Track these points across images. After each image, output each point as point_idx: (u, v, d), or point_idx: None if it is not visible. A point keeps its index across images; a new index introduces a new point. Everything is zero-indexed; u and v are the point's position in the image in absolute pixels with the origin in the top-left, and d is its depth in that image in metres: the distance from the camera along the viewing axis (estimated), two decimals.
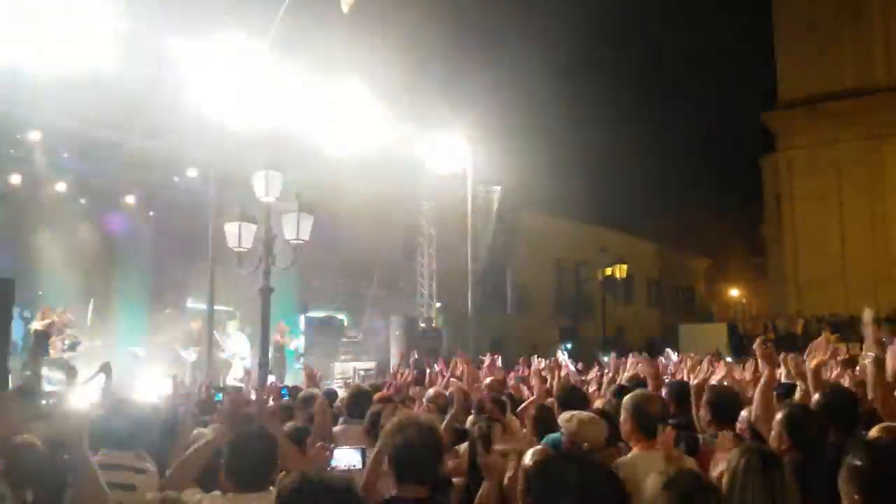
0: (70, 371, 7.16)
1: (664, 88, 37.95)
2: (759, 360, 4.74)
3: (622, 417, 4.01)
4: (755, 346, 4.95)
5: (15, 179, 14.53)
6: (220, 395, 7.24)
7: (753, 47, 35.79)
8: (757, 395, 4.29)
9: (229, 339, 15.70)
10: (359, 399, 5.43)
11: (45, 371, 11.89)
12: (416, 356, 10.81)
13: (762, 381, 4.34)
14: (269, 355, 11.46)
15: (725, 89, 36.72)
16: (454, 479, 4.13)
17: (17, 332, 13.06)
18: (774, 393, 4.51)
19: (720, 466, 2.96)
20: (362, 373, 15.56)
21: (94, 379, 6.79)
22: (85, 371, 7.99)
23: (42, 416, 4.31)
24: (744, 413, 4.52)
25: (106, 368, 6.69)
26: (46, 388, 10.62)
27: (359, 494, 2.48)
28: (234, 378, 14.16)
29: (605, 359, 9.57)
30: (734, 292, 45.85)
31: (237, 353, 15.36)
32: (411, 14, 16.14)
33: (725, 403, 4.54)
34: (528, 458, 3.11)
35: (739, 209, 39.71)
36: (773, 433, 3.68)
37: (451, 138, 15.84)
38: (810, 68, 31.41)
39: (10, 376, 11.21)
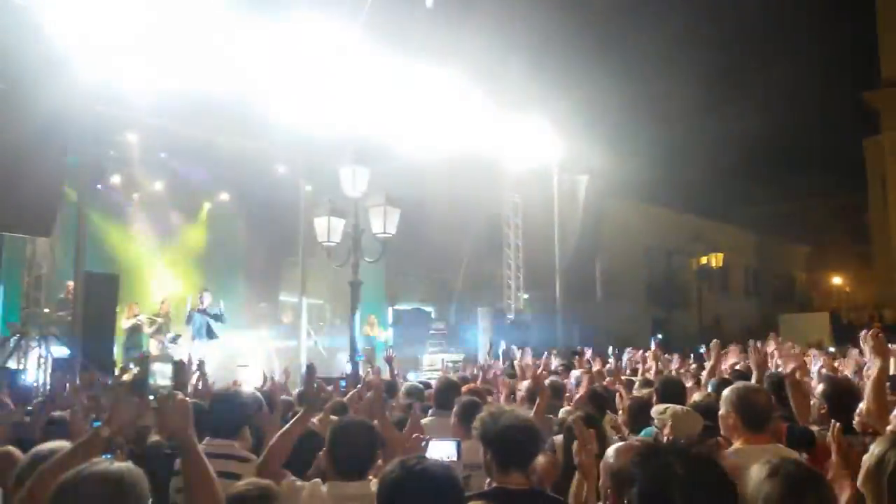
0: (177, 365, 7.46)
1: (759, 69, 36.43)
2: (869, 351, 4.43)
3: (723, 410, 3.81)
4: (863, 336, 4.64)
5: (115, 179, 15.20)
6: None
7: (852, 23, 33.94)
8: (868, 388, 4.02)
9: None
10: (447, 391, 5.40)
11: (155, 366, 12.33)
12: (505, 347, 10.73)
13: (873, 373, 4.07)
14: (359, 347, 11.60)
15: (824, 68, 34.90)
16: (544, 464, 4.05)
17: None
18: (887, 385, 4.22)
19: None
20: (450, 364, 15.58)
21: (200, 371, 7.02)
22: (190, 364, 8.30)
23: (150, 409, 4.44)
24: (862, 405, 4.24)
25: (199, 364, 6.92)
26: (158, 381, 11.02)
27: (459, 483, 2.42)
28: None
29: (702, 350, 9.27)
30: (836, 280, 43.76)
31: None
32: (496, 4, 15.98)
33: (842, 395, 4.27)
34: (610, 455, 2.98)
35: (841, 194, 37.82)
36: (890, 427, 3.44)
37: (537, 128, 15.64)
38: None
39: (115, 368, 11.74)
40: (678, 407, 4.15)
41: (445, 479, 2.33)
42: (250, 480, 3.11)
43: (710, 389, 5.25)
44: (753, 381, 5.12)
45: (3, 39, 8.84)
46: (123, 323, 13.53)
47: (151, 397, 2.86)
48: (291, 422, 3.74)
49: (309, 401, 3.88)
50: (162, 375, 11.49)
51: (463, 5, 13.91)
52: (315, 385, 4.15)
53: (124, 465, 2.17)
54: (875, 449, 2.49)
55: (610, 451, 3.06)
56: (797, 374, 4.87)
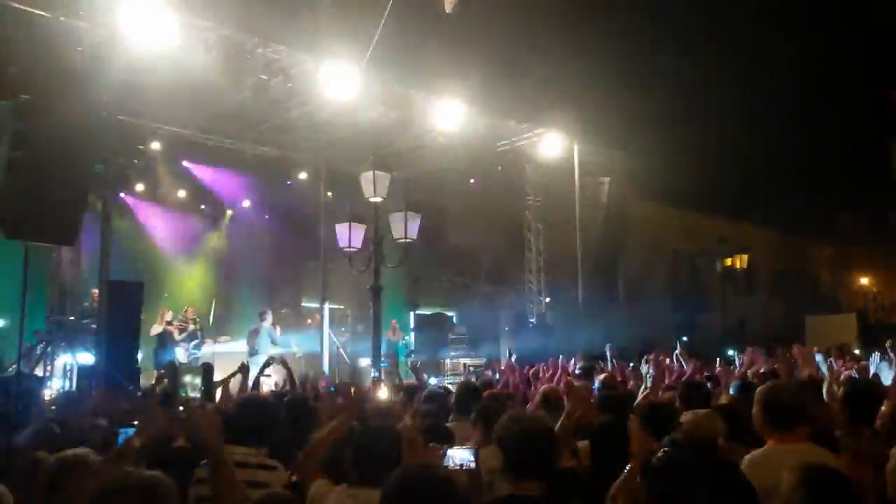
0: (205, 372, 7.47)
1: (783, 69, 36.02)
2: None
3: (754, 410, 3.77)
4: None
5: (139, 187, 15.37)
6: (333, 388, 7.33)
7: (875, 21, 33.41)
8: None
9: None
10: (467, 395, 5.37)
11: (185, 379, 12.35)
12: (511, 354, 10.62)
13: None
14: (382, 352, 11.61)
15: (848, 66, 34.43)
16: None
17: None
18: None
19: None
20: (472, 369, 15.55)
21: (233, 379, 7.03)
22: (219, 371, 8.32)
23: (179, 421, 4.46)
24: (884, 409, 4.18)
25: (244, 369, 6.91)
26: (188, 393, 11.04)
27: (461, 491, 2.41)
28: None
29: (731, 353, 9.17)
30: (863, 281, 43.13)
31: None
32: (515, 7, 15.96)
33: (863, 398, 4.20)
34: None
35: (868, 193, 37.27)
36: None
37: (557, 131, 15.58)
38: None
39: (139, 376, 11.82)
40: (700, 411, 4.10)
41: (445, 486, 2.32)
42: (269, 491, 3.11)
43: (731, 391, 5.20)
44: None
45: (27, 51, 8.97)
46: (154, 329, 13.63)
47: (182, 408, 2.88)
48: (329, 427, 3.74)
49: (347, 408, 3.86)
50: (192, 386, 11.58)
51: (482, 9, 13.89)
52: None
53: (157, 475, 2.22)
54: None
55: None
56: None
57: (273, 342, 13.97)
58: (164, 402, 3.27)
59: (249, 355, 13.56)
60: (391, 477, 2.38)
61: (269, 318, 14.29)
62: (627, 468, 3.14)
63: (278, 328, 14.47)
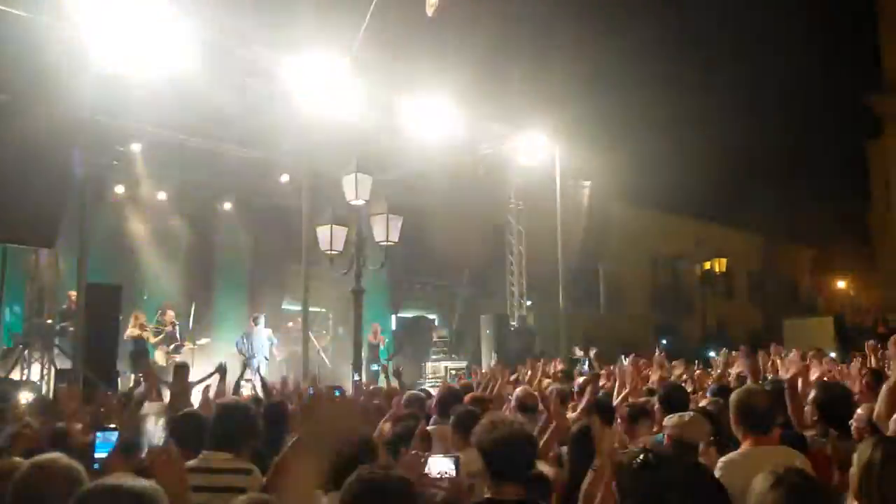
0: (179, 368, 7.41)
1: (762, 73, 36.35)
2: (893, 360, 4.48)
3: (730, 414, 3.84)
4: (868, 346, 4.66)
5: (119, 189, 15.24)
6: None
7: (855, 26, 33.86)
8: (883, 393, 4.03)
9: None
10: (449, 399, 5.38)
11: (148, 424, 12.19)
12: (496, 359, 10.65)
13: (891, 381, 4.09)
14: (364, 355, 11.60)
15: (826, 71, 34.82)
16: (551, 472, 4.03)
17: None
18: None
19: None
20: (453, 372, 15.58)
21: (210, 378, 6.97)
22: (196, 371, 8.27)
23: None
24: (860, 411, 4.25)
25: (221, 370, 6.86)
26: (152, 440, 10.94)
27: (415, 495, 2.42)
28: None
29: (713, 355, 9.24)
30: (841, 284, 43.60)
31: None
32: (495, 13, 16.03)
33: (835, 402, 4.27)
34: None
35: (845, 197, 37.69)
36: (891, 430, 3.45)
37: (539, 135, 15.64)
38: None
39: (119, 379, 11.74)
40: (686, 413, 4.16)
41: (399, 491, 2.33)
42: (251, 495, 3.10)
43: (708, 395, 5.26)
44: None
45: (7, 50, 8.88)
46: (128, 332, 13.50)
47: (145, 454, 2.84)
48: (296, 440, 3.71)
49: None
50: (155, 433, 11.43)
51: (463, 14, 13.93)
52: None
53: (147, 482, 2.20)
54: (860, 457, 2.48)
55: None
56: (798, 381, 4.87)
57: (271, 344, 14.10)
58: (128, 451, 3.26)
59: (247, 358, 13.55)
60: (346, 483, 2.39)
61: (263, 320, 14.38)
62: (593, 466, 3.17)
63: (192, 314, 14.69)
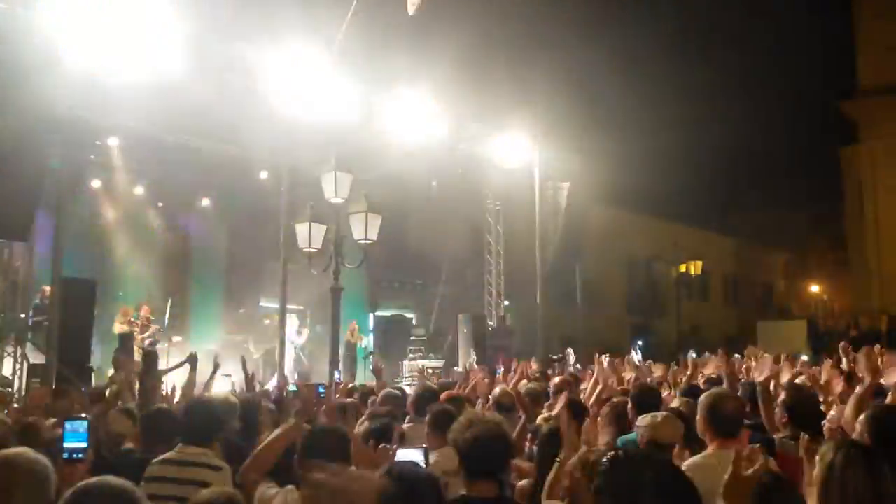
0: (148, 355, 7.33)
1: (738, 78, 36.77)
2: (864, 370, 4.59)
3: (698, 416, 3.89)
4: (843, 347, 4.74)
5: (95, 184, 15.09)
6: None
7: (828, 33, 34.33)
8: (852, 400, 4.11)
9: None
10: (425, 397, 5.41)
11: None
12: (474, 358, 10.68)
13: (863, 388, 4.18)
14: (340, 353, 11.60)
15: (801, 77, 35.31)
16: (522, 482, 4.08)
17: None
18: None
19: None
20: (430, 371, 15.60)
21: (181, 368, 6.92)
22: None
23: None
24: (833, 413, 4.33)
25: (192, 359, 6.83)
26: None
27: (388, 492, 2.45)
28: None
29: (694, 356, 9.34)
30: (814, 288, 44.16)
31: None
32: (477, 13, 16.06)
33: (804, 405, 4.35)
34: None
35: (819, 202, 38.19)
36: (856, 432, 3.53)
37: (518, 135, 15.69)
38: (892, 54, 29.92)
39: (92, 374, 11.64)
40: (660, 413, 4.19)
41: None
42: (216, 488, 3.12)
43: (677, 395, 5.32)
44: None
45: None
46: (116, 328, 13.40)
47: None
48: (279, 431, 3.73)
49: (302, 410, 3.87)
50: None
51: (443, 13, 13.95)
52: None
53: (128, 484, 2.24)
54: (823, 458, 2.54)
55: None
56: (770, 384, 4.94)
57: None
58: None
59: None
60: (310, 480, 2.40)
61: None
62: (558, 458, 3.21)
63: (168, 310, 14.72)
